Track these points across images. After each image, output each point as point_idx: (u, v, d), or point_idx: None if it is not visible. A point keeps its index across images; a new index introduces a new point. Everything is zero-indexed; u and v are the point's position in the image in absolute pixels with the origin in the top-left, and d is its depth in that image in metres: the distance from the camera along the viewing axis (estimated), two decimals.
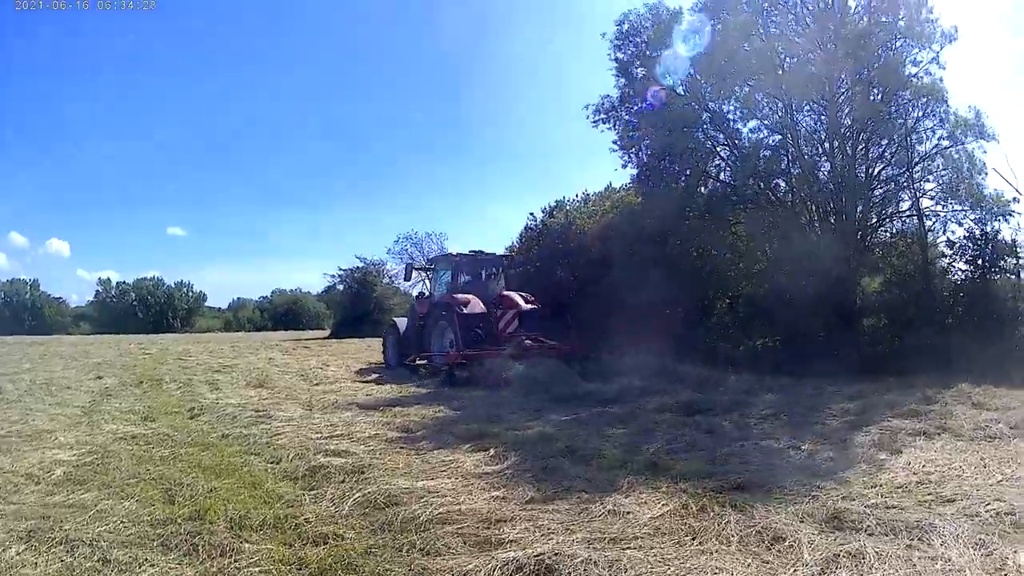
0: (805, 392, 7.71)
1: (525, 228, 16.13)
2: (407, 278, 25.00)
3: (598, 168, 63.07)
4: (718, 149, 12.66)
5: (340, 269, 34.71)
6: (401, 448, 5.18)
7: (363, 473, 4.31)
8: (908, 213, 11.26)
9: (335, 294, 37.37)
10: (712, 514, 3.37)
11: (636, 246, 12.21)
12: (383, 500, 3.68)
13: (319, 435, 5.61)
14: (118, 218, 76.09)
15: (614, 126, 13.38)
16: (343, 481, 4.13)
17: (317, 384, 9.86)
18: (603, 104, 13.32)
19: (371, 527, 3.29)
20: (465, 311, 11.02)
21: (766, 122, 12.09)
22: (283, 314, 52.60)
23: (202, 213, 74.50)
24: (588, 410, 7.02)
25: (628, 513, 3.43)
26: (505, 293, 11.81)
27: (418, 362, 11.51)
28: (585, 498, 3.74)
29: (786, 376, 8.85)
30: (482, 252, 13.16)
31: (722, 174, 12.92)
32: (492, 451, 4.96)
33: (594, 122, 13.34)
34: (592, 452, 4.92)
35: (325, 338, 29.07)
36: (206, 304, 56.66)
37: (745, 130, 12.34)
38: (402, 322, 13.46)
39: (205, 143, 71.28)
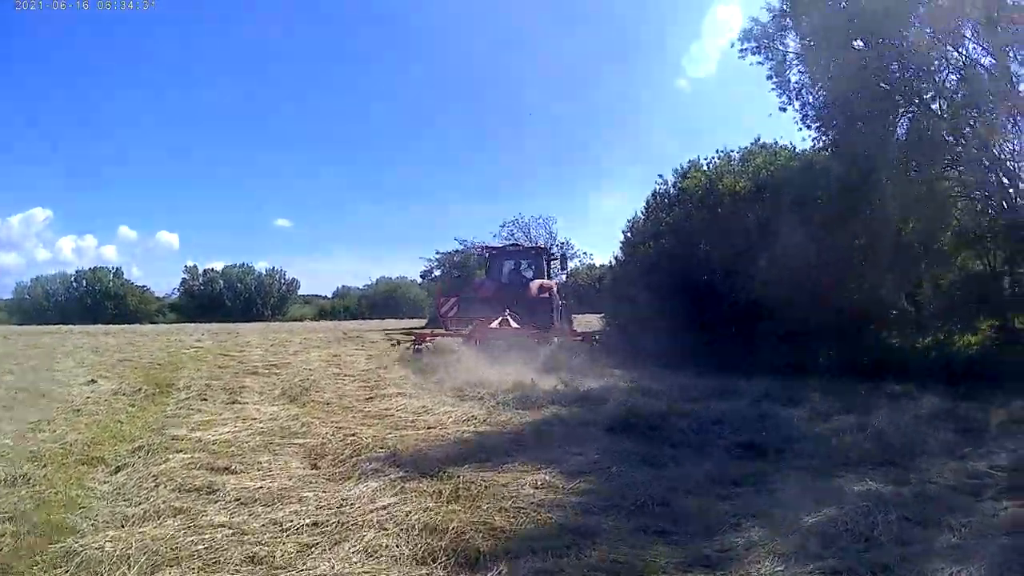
0: None
1: (652, 194, 12.53)
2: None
3: (735, 126, 58.11)
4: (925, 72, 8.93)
5: (438, 253, 32.69)
6: None
7: None
8: None
9: (435, 280, 35.06)
10: None
11: (808, 208, 8.83)
12: None
13: None
14: (225, 210, 76.99)
15: (768, 56, 10.13)
16: None
17: (371, 398, 6.90)
18: (752, 30, 10.17)
19: None
20: (475, 295, 12.39)
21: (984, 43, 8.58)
22: (383, 302, 49.45)
23: (309, 204, 73.83)
24: (836, 483, 3.66)
25: None
26: (531, 282, 12.81)
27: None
28: None
29: None
30: (514, 244, 17.21)
31: (926, 111, 9.08)
32: None
33: (741, 52, 10.35)
34: None
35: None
36: (301, 292, 54.03)
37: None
38: None
39: (312, 137, 70.55)
